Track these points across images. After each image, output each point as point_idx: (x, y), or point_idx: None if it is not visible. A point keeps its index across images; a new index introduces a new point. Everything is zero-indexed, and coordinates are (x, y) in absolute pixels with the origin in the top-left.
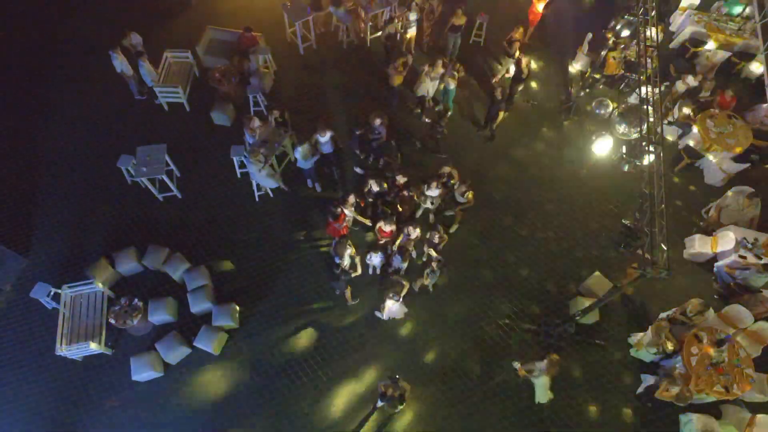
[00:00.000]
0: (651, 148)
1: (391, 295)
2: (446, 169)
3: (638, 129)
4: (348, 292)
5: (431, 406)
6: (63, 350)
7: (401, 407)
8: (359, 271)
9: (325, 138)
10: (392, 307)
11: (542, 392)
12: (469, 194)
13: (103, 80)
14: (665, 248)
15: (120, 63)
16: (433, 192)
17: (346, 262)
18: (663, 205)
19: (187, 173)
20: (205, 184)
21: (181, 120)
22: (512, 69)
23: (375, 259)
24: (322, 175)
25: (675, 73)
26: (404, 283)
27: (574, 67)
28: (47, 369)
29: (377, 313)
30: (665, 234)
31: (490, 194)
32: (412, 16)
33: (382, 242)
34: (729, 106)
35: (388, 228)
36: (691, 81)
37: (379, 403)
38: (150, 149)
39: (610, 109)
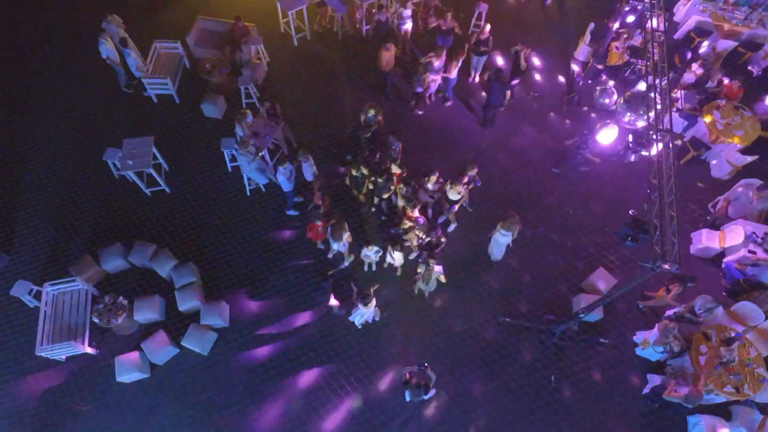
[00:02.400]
0: (659, 137)
1: (360, 299)
2: (473, 171)
3: (644, 117)
4: (333, 299)
5: (424, 413)
6: (44, 350)
7: (425, 398)
8: (351, 258)
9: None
10: (361, 311)
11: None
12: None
13: (89, 71)
14: (675, 240)
15: (107, 48)
16: (433, 186)
17: (344, 248)
18: (672, 196)
19: (175, 167)
20: (194, 178)
21: (171, 112)
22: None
23: (371, 254)
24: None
25: (679, 64)
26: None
27: (576, 58)
28: (28, 370)
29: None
30: (676, 226)
31: (489, 187)
32: (407, 12)
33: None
34: (736, 97)
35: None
36: (696, 68)
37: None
38: (136, 141)
39: (615, 97)
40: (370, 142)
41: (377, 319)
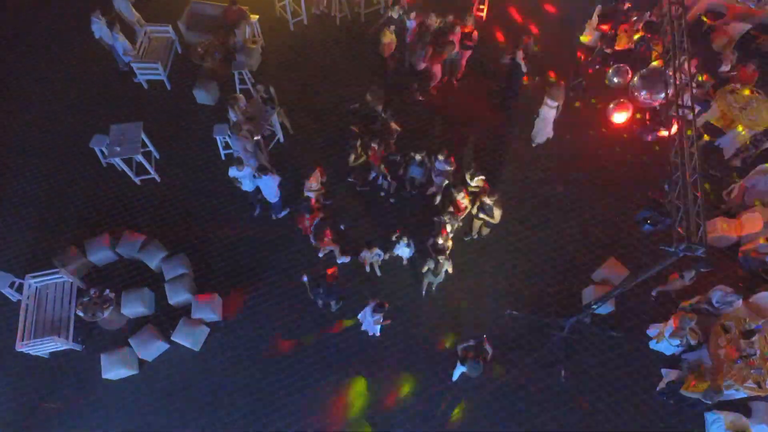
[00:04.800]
0: (680, 113)
1: (371, 304)
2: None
3: (661, 95)
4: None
5: (430, 408)
6: (25, 346)
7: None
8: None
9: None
10: (369, 320)
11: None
12: (480, 181)
13: (78, 55)
14: (700, 222)
15: (99, 28)
16: (444, 166)
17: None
18: (696, 175)
19: (167, 155)
20: (186, 167)
21: (162, 99)
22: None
23: (372, 256)
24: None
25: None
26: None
27: (583, 43)
28: (9, 367)
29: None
30: (700, 206)
31: (495, 176)
32: (409, 23)
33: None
34: (751, 81)
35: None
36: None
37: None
38: (125, 127)
39: (629, 76)
40: (368, 125)
41: (377, 334)
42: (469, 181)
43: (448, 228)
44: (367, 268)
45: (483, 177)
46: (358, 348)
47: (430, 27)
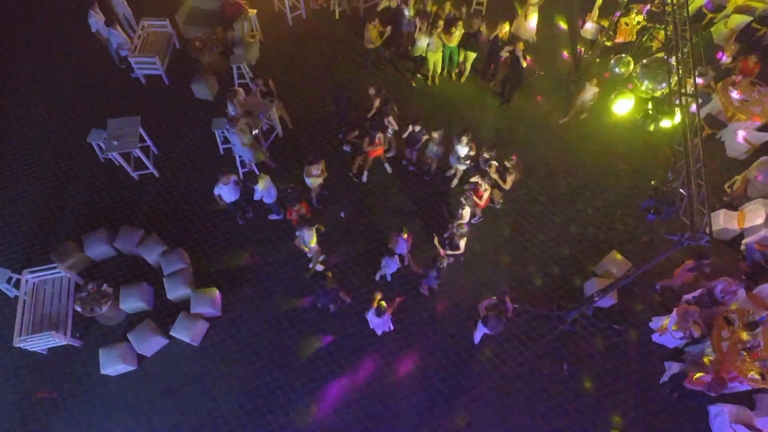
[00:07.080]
0: (683, 101)
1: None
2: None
3: (664, 85)
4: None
5: (432, 401)
6: (22, 341)
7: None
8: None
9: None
10: (377, 320)
11: None
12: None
13: (75, 49)
14: (705, 210)
15: (95, 22)
16: (463, 149)
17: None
18: (700, 164)
19: (165, 150)
20: (184, 162)
21: (160, 94)
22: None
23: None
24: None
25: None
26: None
27: (584, 35)
28: (6, 364)
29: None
30: (704, 194)
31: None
32: (408, 12)
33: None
34: (752, 73)
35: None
36: None
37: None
38: (122, 121)
39: (631, 67)
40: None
41: (392, 328)
42: (484, 155)
43: (464, 211)
44: (377, 276)
45: (495, 153)
46: (361, 344)
47: (427, 14)
